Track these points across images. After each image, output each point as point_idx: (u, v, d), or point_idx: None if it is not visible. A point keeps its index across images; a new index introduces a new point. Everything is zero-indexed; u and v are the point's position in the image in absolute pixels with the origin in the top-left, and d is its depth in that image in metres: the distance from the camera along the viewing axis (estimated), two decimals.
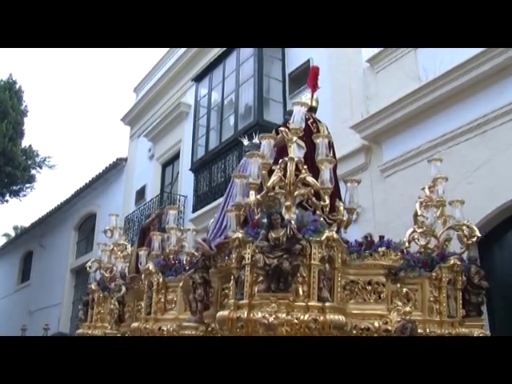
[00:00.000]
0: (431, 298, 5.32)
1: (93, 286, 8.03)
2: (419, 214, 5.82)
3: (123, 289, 7.20)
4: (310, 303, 4.55)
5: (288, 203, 4.85)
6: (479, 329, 5.61)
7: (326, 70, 10.10)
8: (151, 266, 6.39)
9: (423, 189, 6.11)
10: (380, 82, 9.47)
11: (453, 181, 6.49)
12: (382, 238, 5.36)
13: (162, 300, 6.24)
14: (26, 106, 24.96)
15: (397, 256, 5.18)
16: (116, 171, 20.07)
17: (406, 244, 5.65)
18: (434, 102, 8.26)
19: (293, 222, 4.68)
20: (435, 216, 5.82)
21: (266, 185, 4.96)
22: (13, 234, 34.46)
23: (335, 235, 4.75)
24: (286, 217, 4.74)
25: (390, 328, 4.86)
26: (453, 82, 7.94)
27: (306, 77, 10.71)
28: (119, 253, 7.93)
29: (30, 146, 25.84)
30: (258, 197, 4.97)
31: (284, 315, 4.39)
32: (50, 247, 24.20)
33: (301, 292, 4.59)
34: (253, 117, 11.80)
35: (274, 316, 4.37)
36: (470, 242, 5.82)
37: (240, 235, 4.86)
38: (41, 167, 26.47)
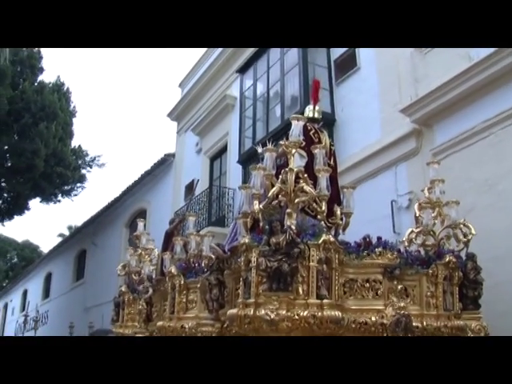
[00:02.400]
0: (428, 293, 5.74)
1: (123, 289, 8.58)
2: (417, 214, 6.24)
3: (150, 290, 7.76)
4: (309, 301, 5.05)
5: (289, 210, 5.32)
6: (476, 321, 6.01)
7: (372, 54, 10.33)
8: (174, 269, 6.95)
9: (422, 190, 6.52)
10: (429, 63, 9.12)
11: (509, 161, 6.70)
12: (379, 239, 5.80)
13: (184, 300, 6.79)
14: (74, 107, 25.53)
15: (393, 255, 5.63)
16: (164, 167, 20.06)
17: (406, 243, 6.08)
18: (487, 80, 7.94)
19: (293, 227, 5.15)
20: (433, 216, 6.22)
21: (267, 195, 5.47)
22: (68, 234, 35.36)
23: (331, 238, 5.25)
24: (288, 223, 5.21)
25: (385, 322, 5.34)
26: (505, 59, 7.58)
27: (353, 62, 11.01)
28: (146, 257, 8.46)
29: (80, 145, 26.69)
30: (261, 206, 5.47)
31: (284, 312, 4.92)
32: (102, 245, 24.40)
33: (301, 291, 5.09)
34: (299, 105, 11.39)
35: (275, 313, 4.90)
36: (466, 239, 6.22)
37: (246, 240, 5.37)
38: (91, 166, 27.42)
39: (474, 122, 8.04)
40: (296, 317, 4.94)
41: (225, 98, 16.08)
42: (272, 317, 4.88)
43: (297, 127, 5.65)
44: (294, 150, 5.55)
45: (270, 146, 5.91)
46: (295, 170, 5.49)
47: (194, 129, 18.02)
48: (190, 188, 17.32)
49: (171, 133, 22.92)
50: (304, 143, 5.91)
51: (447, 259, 5.84)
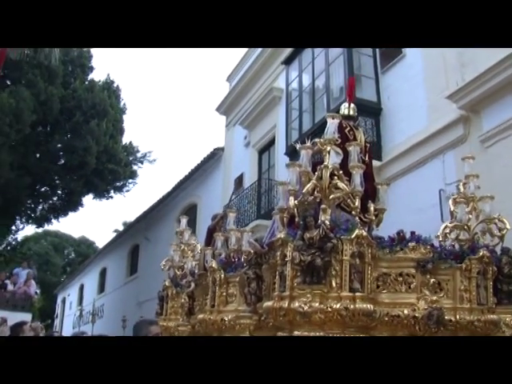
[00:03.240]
0: (462, 288, 5.79)
1: (167, 283, 8.88)
2: (452, 209, 6.33)
3: (192, 285, 8.03)
4: (342, 293, 5.20)
5: (324, 206, 5.49)
6: (510, 315, 6.08)
7: None
8: (214, 264, 7.20)
9: (457, 185, 6.60)
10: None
11: None
12: (412, 233, 5.91)
13: (224, 294, 7.04)
14: (124, 104, 26.39)
15: (426, 249, 5.74)
16: (214, 161, 20.34)
17: (440, 238, 6.18)
18: None
19: (327, 222, 5.33)
20: (467, 211, 6.30)
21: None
22: (122, 229, 36.03)
23: (364, 233, 5.38)
24: (322, 218, 5.39)
25: (417, 315, 5.45)
26: None
27: (398, 49, 10.81)
28: (189, 252, 8.73)
29: (131, 142, 27.56)
30: (296, 202, 5.66)
31: (317, 304, 5.10)
32: (154, 240, 24.64)
33: (334, 284, 5.25)
34: (345, 95, 10.90)
35: (308, 305, 5.09)
36: (500, 234, 6.29)
37: (282, 235, 5.57)
38: (142, 162, 28.33)
39: None
40: (329, 309, 5.10)
41: (271, 91, 16.21)
42: (305, 309, 5.07)
43: (332, 125, 5.83)
44: (328, 148, 5.71)
45: (307, 143, 6.08)
46: (330, 166, 5.65)
47: (242, 122, 18.26)
48: (239, 182, 17.72)
49: (220, 127, 23.21)
50: (340, 140, 6.06)
51: (481, 254, 5.88)
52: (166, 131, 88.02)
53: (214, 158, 20.22)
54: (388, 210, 9.33)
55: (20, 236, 31.97)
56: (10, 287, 20.69)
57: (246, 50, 18.88)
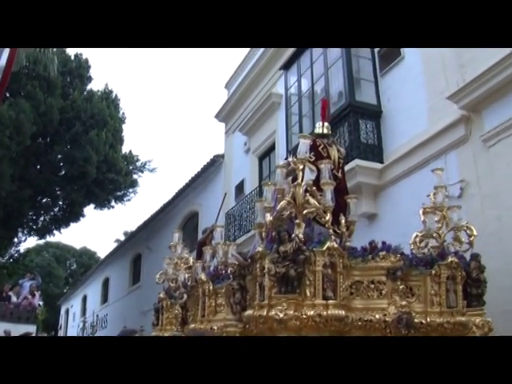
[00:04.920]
0: (432, 292, 6.22)
1: (161, 295, 9.27)
2: (422, 219, 6.74)
3: (185, 296, 8.43)
4: (315, 301, 5.67)
5: (297, 221, 5.92)
6: (480, 317, 6.44)
7: None
8: (203, 276, 7.66)
9: (428, 196, 7.01)
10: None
11: None
12: (384, 243, 6.35)
13: (213, 304, 7.50)
14: (123, 114, 26.43)
15: (396, 258, 6.16)
16: (214, 168, 20.17)
17: (412, 246, 6.60)
18: None
19: (300, 236, 5.76)
20: (436, 220, 6.72)
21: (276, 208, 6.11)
22: (123, 239, 35.84)
23: (335, 245, 5.83)
24: (296, 232, 5.82)
25: (387, 319, 5.89)
26: None
27: (397, 51, 10.79)
28: (182, 265, 9.12)
29: (130, 151, 27.58)
30: (271, 218, 6.11)
31: (292, 312, 5.54)
32: (156, 249, 24.22)
33: (308, 293, 5.73)
34: (344, 98, 11.45)
35: (283, 313, 5.53)
36: (468, 241, 6.70)
37: (260, 249, 6.03)
38: (142, 171, 28.31)
39: None
40: (304, 316, 5.56)
41: (270, 97, 16.09)
42: (281, 316, 5.51)
43: (304, 145, 6.30)
44: (301, 166, 6.14)
45: (281, 162, 6.50)
46: (304, 183, 6.08)
47: (241, 129, 18.14)
48: (240, 188, 17.66)
49: (220, 134, 23.39)
50: (314, 158, 6.51)
51: (449, 260, 6.31)
52: (166, 140, 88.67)
53: (214, 165, 20.13)
54: (392, 212, 9.80)
55: (22, 248, 32.07)
56: (14, 299, 20.88)
57: (243, 56, 18.83)
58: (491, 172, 8.21)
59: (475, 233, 6.70)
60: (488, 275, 6.73)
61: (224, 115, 20.14)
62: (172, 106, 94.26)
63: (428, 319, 6.09)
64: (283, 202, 6.03)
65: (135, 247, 28.64)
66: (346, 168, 9.82)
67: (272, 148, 16.31)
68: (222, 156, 19.93)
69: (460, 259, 6.47)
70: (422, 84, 9.96)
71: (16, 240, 29.10)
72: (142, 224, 26.83)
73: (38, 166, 24.39)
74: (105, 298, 34.25)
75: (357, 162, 10.32)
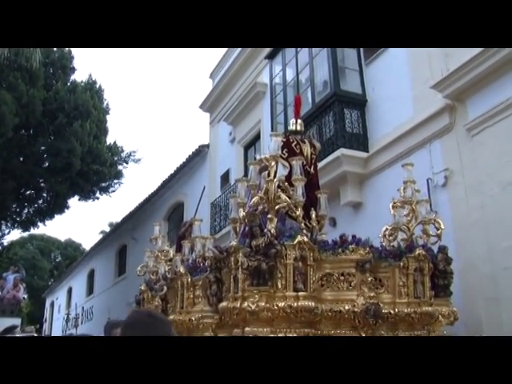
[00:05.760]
0: (400, 283, 6.49)
1: (142, 287, 9.44)
2: (391, 213, 6.99)
3: (165, 288, 8.64)
4: (286, 293, 5.92)
5: (270, 216, 6.16)
6: (446, 307, 6.74)
7: None
8: (182, 269, 7.86)
9: (398, 190, 7.25)
10: None
11: None
12: (354, 236, 6.59)
13: (191, 296, 7.71)
14: (107, 104, 26.35)
15: (365, 251, 6.41)
16: (199, 158, 20.15)
17: (381, 239, 6.85)
18: None
19: (272, 231, 5.99)
20: (405, 214, 6.97)
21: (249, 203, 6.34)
22: (109, 230, 35.94)
23: (305, 239, 6.07)
24: (268, 227, 6.05)
25: (356, 310, 6.13)
26: None
27: None
28: (163, 257, 9.33)
29: (115, 142, 27.39)
30: (244, 213, 6.34)
31: (263, 303, 5.78)
32: (142, 239, 23.59)
33: (280, 285, 5.97)
34: (329, 88, 11.42)
35: (255, 304, 5.78)
36: (436, 234, 6.97)
37: (234, 243, 6.25)
38: (127, 162, 28.12)
39: (509, 93, 7.84)
40: (275, 307, 5.82)
41: (255, 86, 16.09)
42: (253, 308, 5.76)
43: (275, 142, 6.52)
44: (273, 163, 6.37)
45: (256, 158, 6.72)
46: (276, 179, 6.31)
47: (226, 118, 18.11)
48: (225, 178, 17.66)
49: (204, 124, 23.16)
50: (287, 154, 6.73)
51: (417, 252, 6.58)
52: (150, 130, 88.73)
53: (200, 155, 20.13)
54: (377, 200, 9.94)
55: (6, 241, 31.98)
56: None
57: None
58: (475, 161, 8.26)
59: (443, 226, 6.96)
60: (471, 263, 7.01)
61: (209, 105, 20.11)
62: (156, 96, 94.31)
63: (396, 309, 6.35)
64: (256, 198, 6.27)
65: (120, 238, 28.51)
66: (332, 157, 10.22)
67: (257, 137, 16.33)
68: (207, 146, 19.94)
69: (428, 251, 6.72)
70: (406, 73, 10.01)
71: None
72: (127, 215, 26.75)
73: (21, 158, 24.24)
74: (90, 290, 34.25)
75: (342, 151, 10.37)
